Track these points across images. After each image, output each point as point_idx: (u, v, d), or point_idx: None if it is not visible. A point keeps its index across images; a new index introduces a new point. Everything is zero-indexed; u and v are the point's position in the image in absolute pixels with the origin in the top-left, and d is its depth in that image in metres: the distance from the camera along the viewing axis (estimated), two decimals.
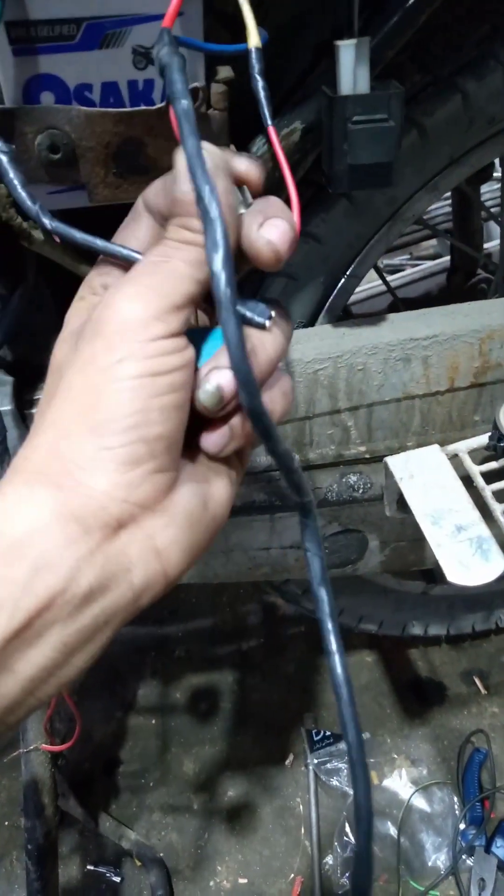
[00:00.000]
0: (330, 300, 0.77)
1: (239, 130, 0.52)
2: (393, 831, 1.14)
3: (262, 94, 0.41)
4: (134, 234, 0.37)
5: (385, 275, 1.11)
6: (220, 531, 0.36)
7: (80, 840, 1.14)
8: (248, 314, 0.34)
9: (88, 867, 1.11)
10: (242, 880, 1.11)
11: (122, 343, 0.30)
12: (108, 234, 0.46)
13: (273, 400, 0.35)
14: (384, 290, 1.41)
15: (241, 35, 0.46)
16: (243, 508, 0.81)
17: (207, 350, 0.34)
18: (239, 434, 0.34)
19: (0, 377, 0.64)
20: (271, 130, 0.41)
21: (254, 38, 0.41)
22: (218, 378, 0.32)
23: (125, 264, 0.36)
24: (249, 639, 1.43)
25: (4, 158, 0.39)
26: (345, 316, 0.81)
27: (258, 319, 0.34)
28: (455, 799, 1.18)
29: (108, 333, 0.31)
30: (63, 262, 0.55)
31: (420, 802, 1.18)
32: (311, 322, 0.78)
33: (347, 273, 0.76)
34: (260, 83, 0.41)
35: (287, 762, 1.24)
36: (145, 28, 0.43)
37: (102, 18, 0.42)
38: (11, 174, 0.38)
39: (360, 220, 0.72)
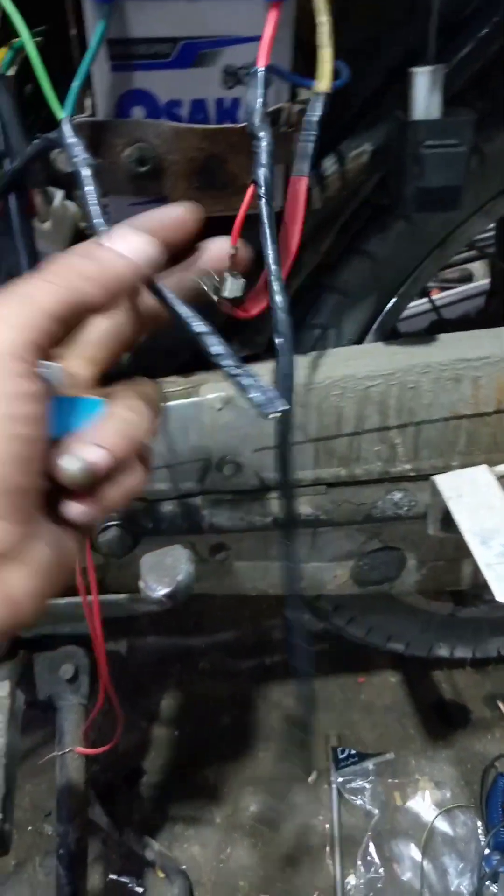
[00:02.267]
0: (380, 319, 0.79)
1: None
2: (416, 853, 1.14)
3: (310, 144, 0.38)
4: None
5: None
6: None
7: (103, 849, 1.14)
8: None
9: (111, 877, 1.11)
10: None
11: None
12: None
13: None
14: (423, 309, 1.42)
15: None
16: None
17: (63, 420, 0.32)
18: (109, 506, 0.33)
19: None
20: (302, 182, 0.37)
21: (325, 83, 0.38)
22: (93, 454, 0.31)
23: None
24: (273, 653, 1.42)
25: (88, 171, 0.40)
26: (392, 334, 0.82)
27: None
28: (479, 823, 1.17)
29: None
30: None
31: (443, 825, 1.17)
32: (359, 340, 0.79)
33: (399, 293, 0.77)
34: (313, 134, 0.38)
35: (310, 779, 1.23)
36: (238, 49, 0.45)
37: (198, 39, 0.44)
38: (87, 188, 0.40)
39: (415, 241, 0.73)
